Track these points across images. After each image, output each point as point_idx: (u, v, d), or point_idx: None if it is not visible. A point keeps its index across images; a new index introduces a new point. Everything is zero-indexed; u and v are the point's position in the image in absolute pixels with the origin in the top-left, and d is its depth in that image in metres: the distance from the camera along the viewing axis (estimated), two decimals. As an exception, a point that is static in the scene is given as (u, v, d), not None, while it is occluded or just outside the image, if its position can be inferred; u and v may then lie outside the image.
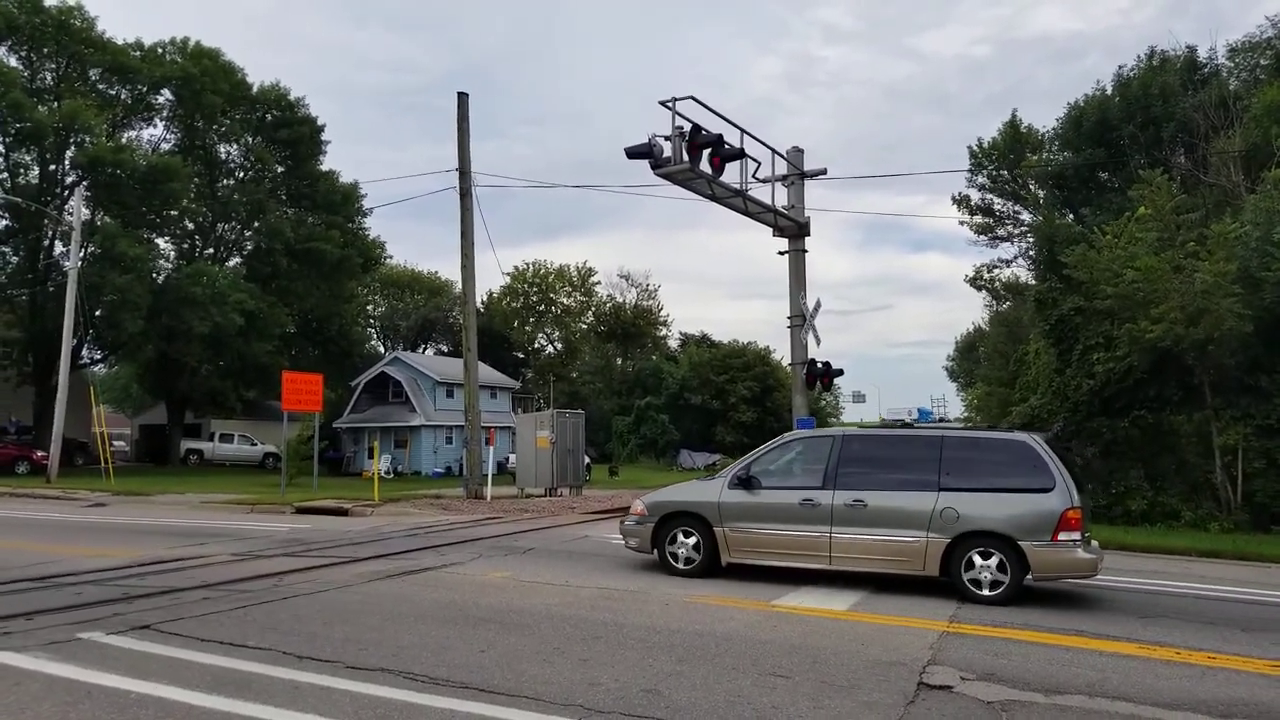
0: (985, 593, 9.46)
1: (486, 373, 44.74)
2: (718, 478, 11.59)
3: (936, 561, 9.74)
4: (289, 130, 45.14)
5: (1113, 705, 5.73)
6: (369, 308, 71.02)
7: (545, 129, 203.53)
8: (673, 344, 76.02)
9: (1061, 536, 9.28)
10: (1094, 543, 10.28)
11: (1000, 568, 9.45)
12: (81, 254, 32.75)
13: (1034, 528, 9.36)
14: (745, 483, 11.03)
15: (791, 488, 10.79)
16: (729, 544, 10.93)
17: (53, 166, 38.96)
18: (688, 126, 16.10)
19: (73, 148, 37.63)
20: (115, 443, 47.28)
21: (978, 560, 9.54)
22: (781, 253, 20.71)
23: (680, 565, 11.11)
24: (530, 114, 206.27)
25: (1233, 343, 17.65)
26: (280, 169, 46.89)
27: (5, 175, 38.76)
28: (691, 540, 11.11)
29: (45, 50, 38.60)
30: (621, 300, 75.78)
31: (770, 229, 20.42)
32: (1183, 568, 13.03)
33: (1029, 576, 9.46)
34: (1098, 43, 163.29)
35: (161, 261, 43.76)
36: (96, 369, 53.82)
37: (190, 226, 45.58)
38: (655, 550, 11.39)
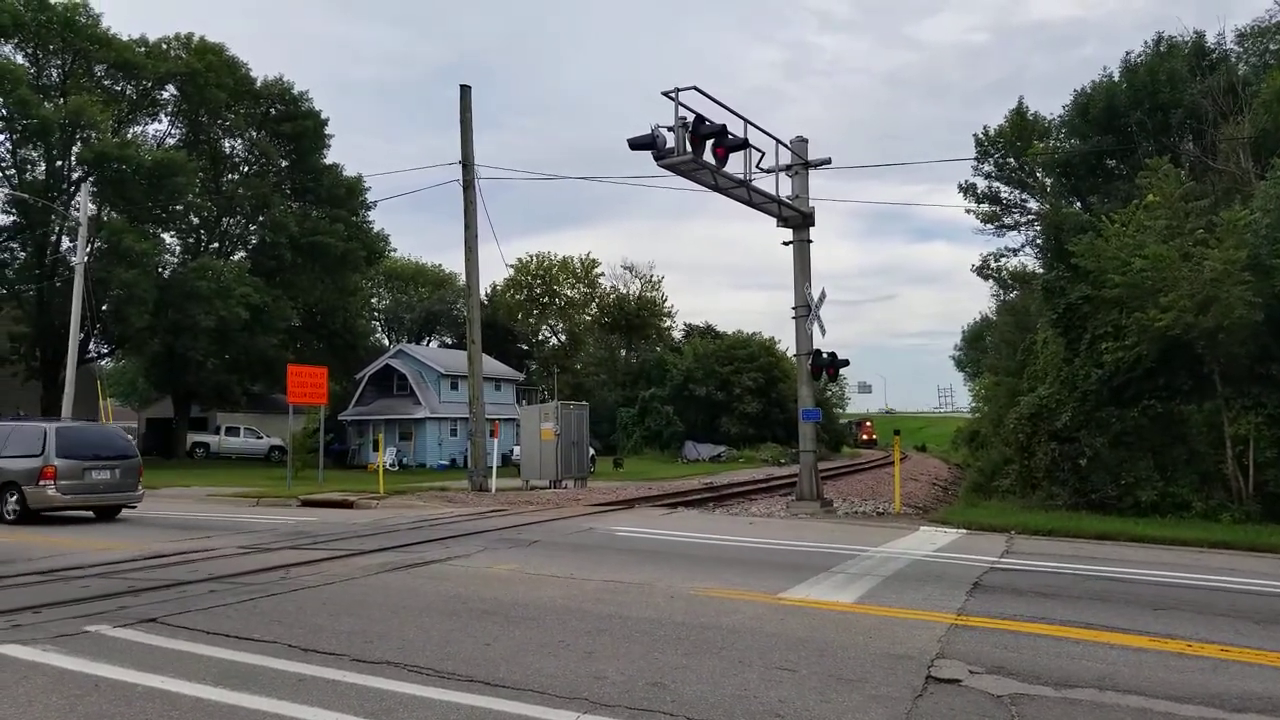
0: (9, 518, 16.18)
1: (491, 365, 44.71)
2: None
3: None
4: (292, 124, 45.18)
5: (1124, 699, 5.66)
6: (373, 301, 71.13)
7: (547, 120, 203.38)
8: (677, 335, 75.94)
9: (41, 483, 16.10)
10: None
11: (17, 505, 16.23)
12: (88, 249, 32.72)
13: (30, 477, 16.18)
14: None
15: None
16: None
17: (59, 162, 39.05)
18: (691, 117, 16.00)
19: (79, 144, 37.70)
20: (122, 437, 47.33)
21: (8, 498, 16.35)
22: (786, 243, 20.62)
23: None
24: (532, 105, 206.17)
25: (1243, 331, 17.47)
26: (284, 163, 46.95)
27: (12, 171, 38.89)
28: None
29: (51, 47, 38.69)
30: (625, 291, 75.69)
31: (774, 219, 20.34)
32: (1194, 559, 12.92)
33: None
34: (1097, 29, 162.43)
35: (167, 256, 43.99)
36: (103, 363, 54.05)
37: (195, 221, 45.66)
38: None
